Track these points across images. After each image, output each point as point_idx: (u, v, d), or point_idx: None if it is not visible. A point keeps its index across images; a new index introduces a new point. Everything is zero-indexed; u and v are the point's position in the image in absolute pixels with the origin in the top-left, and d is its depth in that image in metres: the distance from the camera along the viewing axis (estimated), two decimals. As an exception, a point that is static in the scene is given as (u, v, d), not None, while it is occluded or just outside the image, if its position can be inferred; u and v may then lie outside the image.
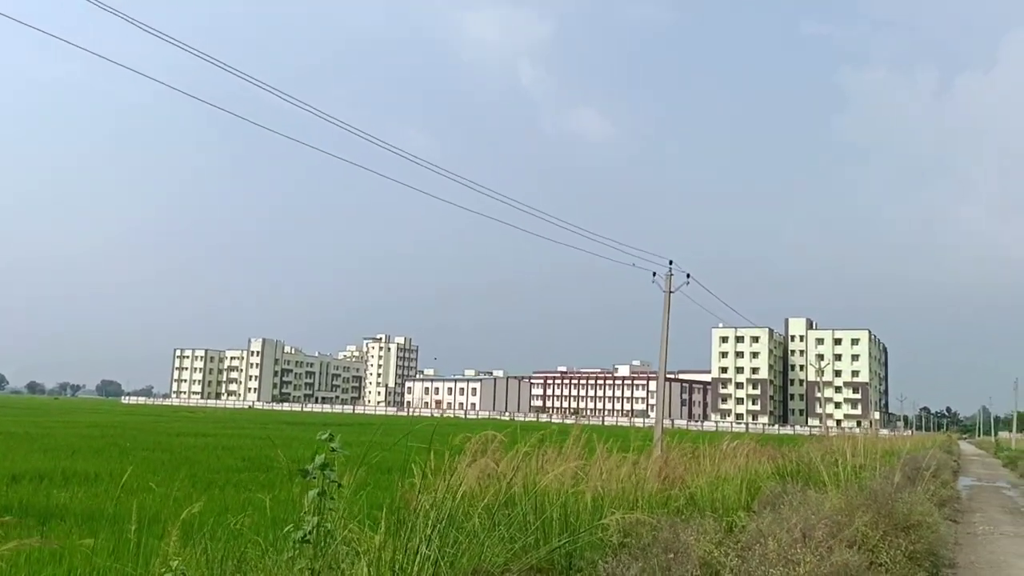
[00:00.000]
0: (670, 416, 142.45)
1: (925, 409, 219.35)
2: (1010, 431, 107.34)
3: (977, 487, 31.34)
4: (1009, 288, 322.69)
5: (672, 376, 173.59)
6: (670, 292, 29.97)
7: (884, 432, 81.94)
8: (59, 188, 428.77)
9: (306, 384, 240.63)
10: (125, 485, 14.25)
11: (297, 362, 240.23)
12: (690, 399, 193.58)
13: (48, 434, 33.56)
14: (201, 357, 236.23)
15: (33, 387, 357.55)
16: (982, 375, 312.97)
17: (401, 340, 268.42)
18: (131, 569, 6.65)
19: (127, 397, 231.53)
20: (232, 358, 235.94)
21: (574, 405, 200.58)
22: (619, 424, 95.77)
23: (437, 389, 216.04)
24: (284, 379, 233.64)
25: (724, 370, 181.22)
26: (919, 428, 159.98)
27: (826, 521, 7.15)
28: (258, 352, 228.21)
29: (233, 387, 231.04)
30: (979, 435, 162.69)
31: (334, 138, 18.19)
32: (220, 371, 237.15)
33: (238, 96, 21.20)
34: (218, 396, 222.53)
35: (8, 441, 27.68)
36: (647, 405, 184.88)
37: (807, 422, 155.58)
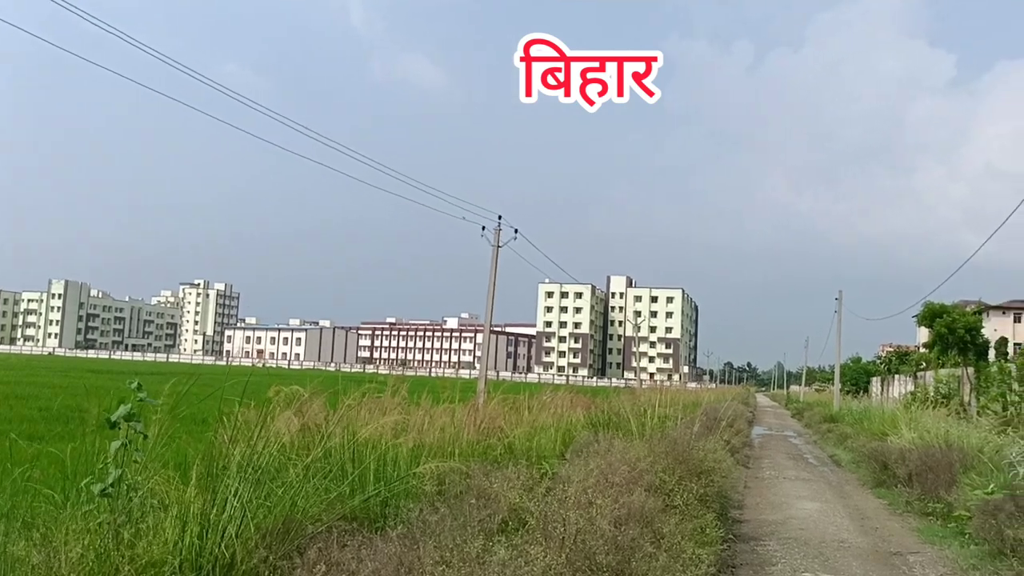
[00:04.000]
0: (496, 368, 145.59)
1: (729, 364, 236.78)
2: (800, 385, 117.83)
3: (768, 435, 34.30)
4: (802, 255, 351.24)
5: (498, 329, 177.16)
6: (498, 247, 30.45)
7: (692, 385, 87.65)
8: None
9: (115, 330, 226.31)
10: None
11: (105, 306, 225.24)
12: (515, 351, 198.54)
13: None
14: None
15: None
16: (778, 334, 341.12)
17: (221, 286, 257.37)
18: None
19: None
20: (30, 300, 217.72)
21: (402, 356, 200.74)
22: (447, 375, 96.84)
23: (259, 338, 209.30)
24: (89, 324, 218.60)
25: (548, 324, 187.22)
26: (723, 381, 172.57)
27: (627, 467, 7.65)
28: (60, 295, 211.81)
29: (31, 331, 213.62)
30: (774, 388, 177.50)
31: (140, 66, 17.06)
32: (15, 314, 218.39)
33: (32, 16, 19.32)
34: (12, 341, 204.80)
35: None
36: (474, 357, 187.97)
37: (623, 375, 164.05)
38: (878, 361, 77.12)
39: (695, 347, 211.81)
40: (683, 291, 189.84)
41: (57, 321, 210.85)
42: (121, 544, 4.95)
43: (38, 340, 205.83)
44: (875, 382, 64.06)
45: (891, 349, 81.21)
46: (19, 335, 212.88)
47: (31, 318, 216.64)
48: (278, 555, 5.32)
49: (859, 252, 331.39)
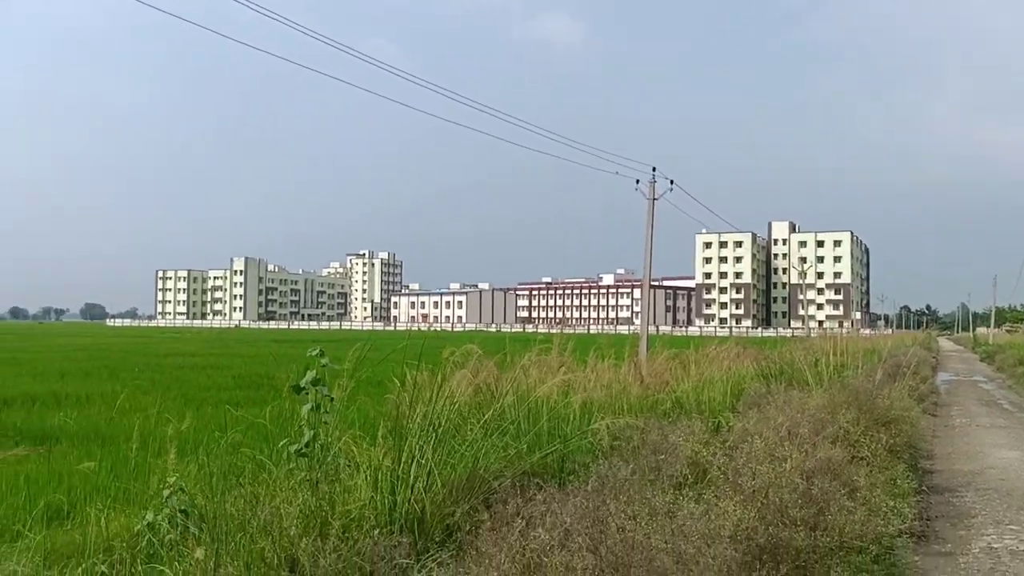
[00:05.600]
0: (655, 322, 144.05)
1: (905, 308, 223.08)
2: (988, 326, 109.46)
3: (955, 381, 32.14)
4: (983, 186, 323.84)
5: (656, 283, 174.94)
6: (654, 199, 29.89)
7: (865, 332, 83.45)
8: (14, 107, 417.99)
9: (291, 302, 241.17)
10: (118, 406, 14.38)
11: (281, 280, 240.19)
12: (674, 305, 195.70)
13: (36, 359, 33.62)
14: (184, 278, 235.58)
15: (16, 312, 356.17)
16: (961, 273, 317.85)
17: (385, 255, 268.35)
18: (130, 486, 6.75)
19: (112, 320, 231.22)
20: (216, 278, 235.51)
21: (560, 315, 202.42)
22: (604, 332, 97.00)
23: (423, 303, 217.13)
24: (269, 297, 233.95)
25: (708, 275, 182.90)
26: (899, 327, 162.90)
27: (810, 419, 7.35)
28: (241, 271, 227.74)
29: (218, 307, 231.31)
30: (958, 331, 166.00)
31: (295, 46, 17.77)
32: (204, 291, 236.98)
33: (194, 6, 20.48)
34: (203, 316, 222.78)
35: (-4, 367, 27.71)
36: (632, 312, 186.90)
37: (789, 324, 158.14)
38: (1080, 298, 70.19)
39: (867, 292, 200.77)
40: (852, 233, 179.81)
41: (240, 295, 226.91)
42: (323, 500, 5.25)
43: (225, 314, 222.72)
44: (1077, 321, 58.44)
45: (1095, 284, 73.60)
46: (208, 310, 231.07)
47: (218, 294, 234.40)
48: (465, 509, 5.49)
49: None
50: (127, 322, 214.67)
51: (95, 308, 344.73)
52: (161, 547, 4.98)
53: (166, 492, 5.39)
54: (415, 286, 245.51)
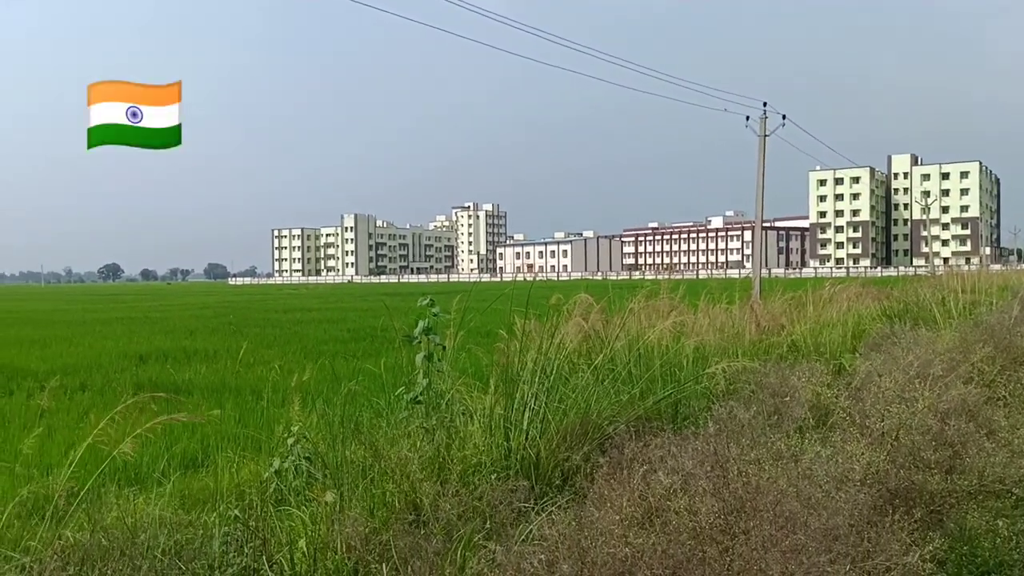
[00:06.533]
0: (766, 265, 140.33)
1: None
2: None
3: (1097, 318, 29.98)
4: None
5: (768, 224, 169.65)
6: (765, 136, 28.84)
7: (996, 267, 78.72)
8: (127, 68, 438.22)
9: (400, 256, 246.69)
10: (243, 359, 15.07)
11: (390, 235, 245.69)
12: (787, 247, 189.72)
13: (166, 317, 35.58)
14: (298, 236, 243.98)
15: (147, 274, 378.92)
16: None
17: (489, 207, 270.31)
18: (257, 434, 7.06)
19: (233, 278, 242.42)
20: (327, 235, 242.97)
21: (667, 260, 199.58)
22: (714, 277, 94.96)
23: (528, 253, 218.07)
24: (379, 252, 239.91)
25: (822, 214, 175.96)
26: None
27: (941, 358, 6.98)
28: (351, 228, 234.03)
29: (331, 263, 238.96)
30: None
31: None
32: (317, 248, 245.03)
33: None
34: (318, 272, 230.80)
35: (131, 325, 29.50)
36: (742, 256, 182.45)
37: (911, 262, 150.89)
38: None
39: (997, 225, 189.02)
40: (980, 164, 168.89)
41: (352, 251, 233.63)
42: (441, 447, 5.33)
43: (338, 270, 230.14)
44: None
45: None
46: (322, 266, 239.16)
47: (330, 250, 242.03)
48: (579, 455, 5.48)
49: None
50: (247, 280, 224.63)
51: (217, 268, 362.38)
52: (289, 492, 5.18)
53: (290, 440, 5.59)
54: (519, 236, 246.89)
